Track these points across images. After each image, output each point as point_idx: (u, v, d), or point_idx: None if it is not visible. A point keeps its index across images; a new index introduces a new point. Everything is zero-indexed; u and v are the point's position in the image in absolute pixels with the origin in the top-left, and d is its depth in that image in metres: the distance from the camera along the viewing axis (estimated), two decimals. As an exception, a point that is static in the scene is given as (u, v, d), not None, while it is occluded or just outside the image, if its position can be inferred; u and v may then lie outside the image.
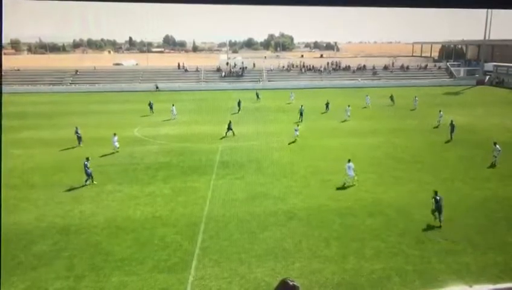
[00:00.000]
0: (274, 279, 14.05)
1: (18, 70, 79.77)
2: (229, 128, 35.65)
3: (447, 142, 32.79)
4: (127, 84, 76.13)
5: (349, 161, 24.01)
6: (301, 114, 43.34)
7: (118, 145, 31.22)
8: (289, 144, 33.94)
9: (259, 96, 60.78)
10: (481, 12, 78.26)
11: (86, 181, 24.25)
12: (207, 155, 30.53)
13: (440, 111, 40.79)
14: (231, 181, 24.90)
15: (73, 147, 32.95)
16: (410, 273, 14.63)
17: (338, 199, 21.88)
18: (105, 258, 16.06)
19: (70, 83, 77.49)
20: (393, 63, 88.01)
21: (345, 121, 42.84)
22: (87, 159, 24.77)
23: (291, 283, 3.52)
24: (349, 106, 44.41)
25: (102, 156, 30.30)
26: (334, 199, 21.88)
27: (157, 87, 72.69)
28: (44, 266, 15.52)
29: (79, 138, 33.78)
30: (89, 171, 24.30)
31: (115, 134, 31.51)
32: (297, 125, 37.12)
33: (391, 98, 54.47)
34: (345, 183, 23.68)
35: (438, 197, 18.39)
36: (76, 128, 34.36)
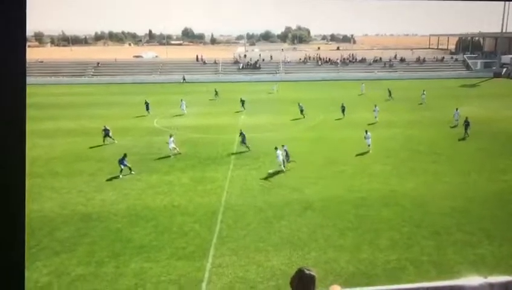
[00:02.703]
0: (290, 267, 14.24)
1: (41, 62, 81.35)
2: (243, 141, 29.83)
3: (462, 139, 31.98)
4: (146, 76, 76.94)
5: (276, 148, 25.06)
6: (301, 111, 41.47)
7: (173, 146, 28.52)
8: (304, 135, 33.96)
9: (275, 88, 61.12)
10: (499, 5, 76.39)
11: (121, 172, 24.62)
12: (224, 146, 30.84)
13: (457, 109, 36.88)
14: (248, 171, 25.14)
15: (94, 137, 33.59)
16: (426, 264, 14.62)
17: (353, 190, 21.92)
18: (125, 245, 16.48)
19: (92, 75, 78.71)
20: (412, 53, 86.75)
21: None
22: (125, 155, 25.07)
23: (307, 272, 3.64)
24: (376, 105, 39.92)
25: (122, 146, 30.82)
26: (349, 190, 21.93)
27: (184, 79, 73.22)
28: (66, 252, 16.03)
29: (106, 133, 32.14)
30: (126, 164, 24.74)
31: (171, 135, 29.29)
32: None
33: (389, 92, 53.33)
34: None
35: None
36: (105, 126, 32.79)
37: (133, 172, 24.91)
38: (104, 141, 31.78)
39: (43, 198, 21.43)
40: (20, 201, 1.46)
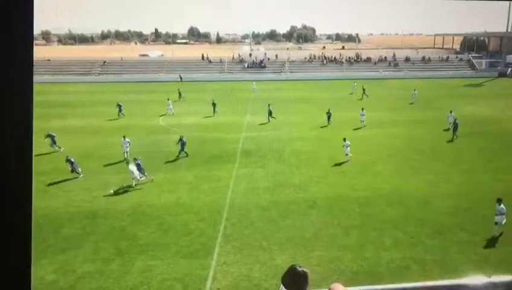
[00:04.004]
0: (294, 266, 14.24)
1: (48, 60, 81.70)
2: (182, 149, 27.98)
3: (451, 141, 31.39)
4: (152, 75, 77.10)
5: None
6: (270, 113, 38.95)
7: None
8: (309, 134, 33.94)
9: (255, 87, 60.53)
10: (504, 5, 75.96)
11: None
12: (229, 144, 30.86)
13: (451, 112, 34.69)
14: (253, 170, 25.18)
15: (100, 136, 33.75)
16: (429, 263, 14.61)
17: (357, 189, 21.92)
18: (131, 243, 16.57)
19: (98, 73, 78.97)
20: (417, 52, 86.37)
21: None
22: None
23: (300, 269, 3.68)
24: (363, 109, 37.81)
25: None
26: (353, 189, 21.94)
27: (181, 78, 73.35)
28: (72, 249, 16.14)
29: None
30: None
31: (124, 136, 28.63)
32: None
33: (363, 90, 53.07)
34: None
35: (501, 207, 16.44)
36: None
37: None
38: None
39: (49, 195, 21.59)
40: (27, 198, 1.48)
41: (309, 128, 35.15)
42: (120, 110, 42.28)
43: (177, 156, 27.74)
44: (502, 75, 75.86)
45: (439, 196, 20.55)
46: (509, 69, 76.97)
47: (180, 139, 27.85)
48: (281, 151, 28.66)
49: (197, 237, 16.98)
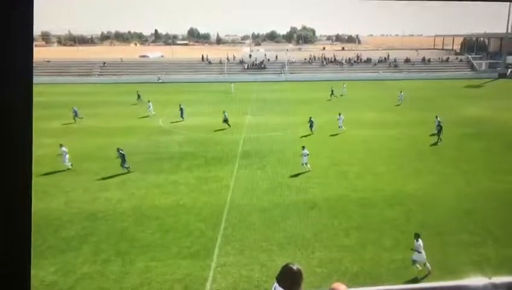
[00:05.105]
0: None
1: (48, 61, 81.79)
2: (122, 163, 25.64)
3: (435, 144, 30.93)
4: (152, 76, 77.10)
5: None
6: (225, 120, 36.43)
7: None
8: (309, 135, 33.94)
9: (233, 88, 60.80)
10: (504, 6, 76.01)
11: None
12: (229, 145, 30.86)
13: (436, 117, 33.10)
14: (253, 171, 25.17)
15: (100, 137, 33.74)
16: (430, 264, 14.59)
17: (357, 190, 21.92)
18: (131, 244, 16.56)
19: (98, 74, 79.06)
20: (417, 53, 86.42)
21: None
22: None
23: (295, 268, 3.73)
24: (340, 114, 35.52)
25: (128, 145, 30.93)
26: (354, 190, 21.93)
27: (159, 79, 73.52)
28: (72, 250, 16.12)
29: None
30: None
31: (61, 145, 26.86)
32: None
33: (332, 91, 53.20)
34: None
35: None
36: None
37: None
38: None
39: (49, 196, 21.56)
40: (27, 199, 1.48)
41: (309, 130, 35.03)
42: (76, 114, 41.23)
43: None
44: (502, 76, 75.96)
45: (440, 197, 20.52)
46: (509, 70, 77.06)
47: (118, 152, 25.12)
48: (281, 152, 28.66)
49: (197, 238, 16.97)
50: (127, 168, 25.06)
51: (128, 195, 21.74)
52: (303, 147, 25.05)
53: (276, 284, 3.77)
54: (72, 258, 15.58)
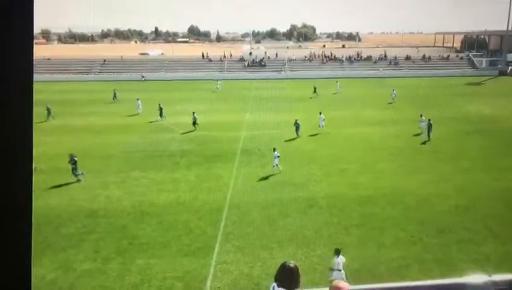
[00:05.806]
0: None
1: (48, 59, 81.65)
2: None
3: (424, 143, 30.46)
4: (152, 73, 77.03)
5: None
6: (194, 123, 35.66)
7: None
8: (309, 132, 33.93)
9: (219, 86, 60.87)
10: (504, 3, 75.68)
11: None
12: (229, 143, 30.85)
13: (421, 116, 32.93)
14: (253, 169, 25.17)
15: (100, 134, 33.74)
16: (430, 262, 14.62)
17: (357, 188, 21.92)
18: (131, 242, 16.58)
19: (98, 72, 78.94)
20: (417, 51, 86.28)
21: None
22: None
23: (292, 265, 3.75)
24: (320, 112, 34.86)
25: (129, 143, 30.98)
26: (354, 188, 21.93)
27: (143, 77, 73.41)
28: (73, 248, 16.15)
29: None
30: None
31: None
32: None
33: (314, 89, 53.10)
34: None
35: None
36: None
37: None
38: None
39: (49, 194, 21.59)
40: (27, 198, 1.48)
41: (309, 127, 35.02)
42: (49, 113, 40.59)
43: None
44: (503, 73, 75.86)
45: (439, 195, 20.53)
46: (510, 68, 76.99)
47: (71, 158, 23.89)
48: (281, 150, 28.61)
49: (197, 236, 16.99)
50: (77, 175, 23.67)
51: (128, 193, 21.75)
52: (274, 149, 24.65)
53: (274, 284, 3.77)
54: (72, 255, 15.61)
